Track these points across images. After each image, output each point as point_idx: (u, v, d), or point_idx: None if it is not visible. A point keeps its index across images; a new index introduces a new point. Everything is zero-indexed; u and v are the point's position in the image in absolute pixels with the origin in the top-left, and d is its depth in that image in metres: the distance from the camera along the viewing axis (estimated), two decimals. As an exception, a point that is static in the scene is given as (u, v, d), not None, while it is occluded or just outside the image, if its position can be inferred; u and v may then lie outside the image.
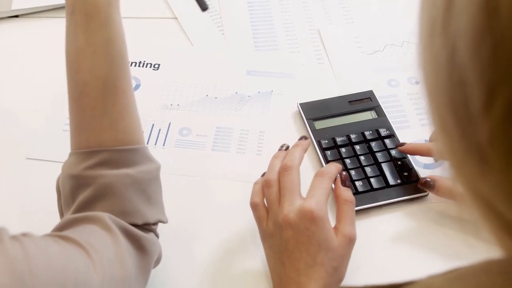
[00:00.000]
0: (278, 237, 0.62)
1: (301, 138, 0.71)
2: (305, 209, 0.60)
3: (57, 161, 0.78)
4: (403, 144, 0.76)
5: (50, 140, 0.82)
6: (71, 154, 0.59)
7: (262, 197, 0.66)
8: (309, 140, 0.71)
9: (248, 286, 0.67)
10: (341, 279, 0.62)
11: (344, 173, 0.67)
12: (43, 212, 0.73)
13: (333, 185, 0.67)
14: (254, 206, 0.66)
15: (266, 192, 0.66)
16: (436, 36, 0.28)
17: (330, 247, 0.60)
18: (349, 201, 0.64)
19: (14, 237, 0.46)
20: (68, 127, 0.82)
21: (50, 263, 0.46)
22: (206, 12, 1.03)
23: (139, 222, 0.57)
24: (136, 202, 0.57)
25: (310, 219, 0.60)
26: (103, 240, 0.52)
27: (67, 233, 0.52)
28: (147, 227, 0.59)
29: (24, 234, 0.47)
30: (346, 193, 0.65)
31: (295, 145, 0.69)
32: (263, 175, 0.70)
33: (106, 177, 0.56)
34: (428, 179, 0.70)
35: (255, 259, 0.70)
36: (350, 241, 0.62)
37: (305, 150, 0.69)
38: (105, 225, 0.54)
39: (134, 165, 0.58)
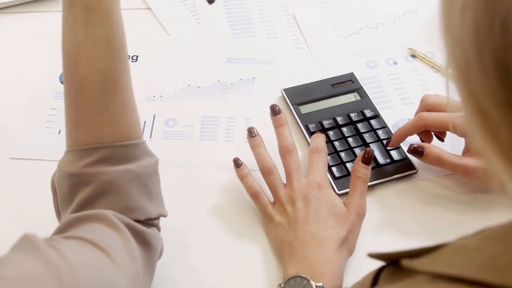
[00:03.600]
0: (290, 211, 0.66)
1: (273, 110, 0.73)
2: (312, 182, 0.67)
3: (42, 159, 0.77)
4: (389, 140, 0.75)
5: (33, 138, 0.80)
6: (68, 152, 0.57)
7: (258, 185, 0.70)
8: (282, 110, 0.73)
9: (246, 272, 0.68)
10: (351, 250, 0.65)
11: (370, 150, 0.69)
12: (31, 212, 0.72)
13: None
14: (255, 195, 0.69)
15: (269, 178, 0.69)
16: None
17: (338, 212, 0.65)
18: (362, 178, 0.67)
19: (48, 244, 0.45)
20: (50, 124, 0.82)
21: (90, 272, 0.45)
22: (180, 2, 1.02)
23: (142, 217, 0.56)
24: (138, 198, 0.56)
25: (317, 189, 0.67)
26: (113, 239, 0.52)
27: (75, 232, 0.51)
28: (150, 222, 0.58)
29: (53, 239, 0.47)
30: (362, 169, 0.68)
31: (280, 125, 0.72)
32: (238, 164, 0.71)
33: (107, 174, 0.55)
34: (417, 146, 0.71)
35: (251, 244, 0.70)
36: (358, 212, 0.66)
37: (288, 124, 0.73)
38: (111, 223, 0.53)
39: (134, 161, 0.57)
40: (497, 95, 0.30)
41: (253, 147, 0.72)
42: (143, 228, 0.56)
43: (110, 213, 0.54)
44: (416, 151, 0.71)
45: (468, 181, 0.72)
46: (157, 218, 0.60)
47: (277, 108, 0.73)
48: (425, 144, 0.71)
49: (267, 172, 0.69)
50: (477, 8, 0.29)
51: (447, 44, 0.33)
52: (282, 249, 0.66)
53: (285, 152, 0.69)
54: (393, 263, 0.42)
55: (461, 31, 0.31)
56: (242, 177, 0.70)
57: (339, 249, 0.63)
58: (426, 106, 0.74)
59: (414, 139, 0.76)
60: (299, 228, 0.64)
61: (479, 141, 0.33)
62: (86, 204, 0.55)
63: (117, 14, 0.57)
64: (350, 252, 0.65)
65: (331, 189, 0.69)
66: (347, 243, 0.64)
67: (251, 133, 0.72)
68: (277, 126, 0.72)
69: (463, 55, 0.31)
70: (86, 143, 0.56)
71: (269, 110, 0.76)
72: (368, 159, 0.68)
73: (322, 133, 0.74)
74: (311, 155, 0.71)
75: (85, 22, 0.55)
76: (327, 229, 0.64)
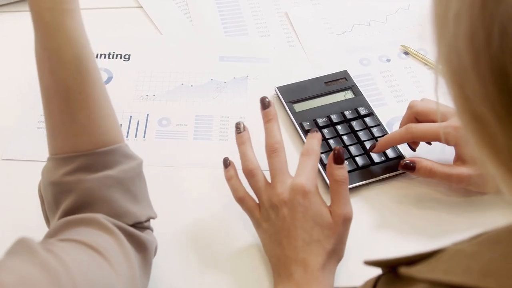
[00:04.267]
0: (274, 218, 0.63)
1: (263, 104, 0.69)
2: (297, 185, 0.62)
3: (35, 160, 0.76)
4: (373, 146, 0.75)
5: (25, 139, 0.79)
6: (49, 159, 0.57)
7: (244, 188, 0.67)
8: (273, 103, 0.69)
9: (240, 274, 0.67)
10: (340, 257, 0.63)
11: (339, 148, 0.64)
12: (24, 214, 0.71)
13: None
14: (241, 200, 0.66)
15: (252, 181, 0.66)
16: None
17: (325, 223, 0.61)
18: (340, 181, 0.63)
19: (45, 248, 0.45)
20: (42, 125, 0.80)
21: (87, 276, 0.45)
22: (171, 0, 1.01)
23: (130, 222, 0.56)
24: (123, 203, 0.56)
25: (302, 194, 0.61)
26: (108, 241, 0.51)
27: (69, 235, 0.51)
28: (140, 225, 0.58)
29: (49, 243, 0.46)
30: (338, 171, 0.63)
31: (268, 120, 0.68)
32: (226, 164, 0.69)
33: (87, 181, 0.54)
34: (408, 161, 0.70)
35: (246, 245, 0.70)
36: (345, 220, 0.62)
37: (278, 119, 0.68)
38: (103, 226, 0.52)
39: (114, 166, 0.56)
40: (494, 101, 0.29)
41: (238, 144, 0.68)
42: (136, 231, 0.56)
43: (101, 217, 0.53)
44: (407, 167, 0.70)
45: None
46: (147, 221, 0.59)
47: (267, 100, 0.69)
48: (416, 159, 0.71)
49: (249, 174, 0.66)
50: (473, 14, 0.29)
51: (440, 49, 0.32)
52: (270, 259, 0.65)
53: (270, 151, 0.66)
54: (390, 270, 0.42)
55: (456, 37, 0.30)
56: (227, 179, 0.68)
57: (326, 263, 0.60)
58: (413, 114, 0.74)
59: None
60: (285, 241, 0.62)
61: (474, 146, 0.32)
62: (71, 213, 0.54)
63: (64, 26, 0.55)
64: (339, 259, 0.63)
65: (317, 194, 0.63)
66: (335, 253, 0.62)
67: (237, 128, 0.69)
68: (266, 121, 0.68)
69: (458, 60, 0.31)
70: (63, 152, 0.55)
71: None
72: (339, 157, 0.63)
73: (318, 132, 0.69)
74: (301, 157, 0.66)
75: (36, 34, 0.55)
76: (313, 243, 0.61)
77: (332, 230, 0.62)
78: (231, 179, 0.67)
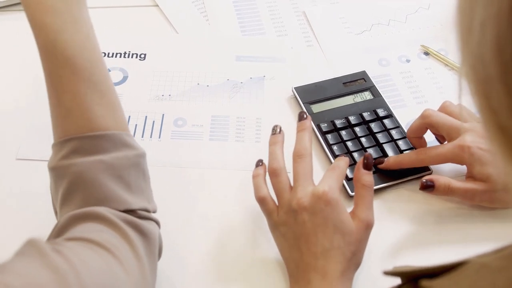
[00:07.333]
0: (293, 223, 0.61)
1: (300, 117, 0.69)
2: (319, 192, 0.61)
3: (48, 160, 0.76)
4: (381, 161, 0.73)
5: (40, 139, 0.78)
6: (51, 148, 0.58)
7: (267, 188, 0.65)
8: (309, 117, 0.69)
9: (255, 276, 0.66)
10: (358, 264, 0.62)
11: (369, 155, 0.64)
12: (38, 214, 0.70)
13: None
14: (261, 200, 0.65)
15: (274, 181, 0.65)
16: None
17: (346, 230, 0.60)
18: (367, 186, 0.63)
19: (54, 249, 0.44)
20: (58, 124, 0.80)
21: (97, 278, 0.44)
22: (188, -2, 1.00)
23: (120, 208, 0.55)
24: (113, 188, 0.55)
25: (324, 201, 0.60)
26: (116, 238, 0.51)
27: (77, 233, 0.50)
28: (134, 214, 0.56)
29: (58, 243, 0.45)
30: (365, 177, 0.63)
31: (301, 130, 0.68)
32: (258, 164, 0.68)
33: (78, 165, 0.54)
34: (425, 181, 0.68)
35: (262, 247, 0.68)
36: (367, 226, 0.62)
37: (311, 131, 0.68)
38: (108, 221, 0.52)
39: (108, 152, 0.56)
40: None
41: (270, 144, 0.68)
42: (137, 220, 0.55)
43: (104, 210, 0.53)
44: (427, 186, 0.68)
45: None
46: (142, 210, 0.57)
47: (305, 115, 0.69)
48: (433, 177, 0.69)
49: (273, 173, 0.65)
50: (500, 22, 0.27)
51: (465, 58, 0.31)
52: (287, 264, 0.63)
53: (296, 156, 0.65)
54: (410, 280, 0.40)
55: (481, 46, 0.29)
56: (253, 176, 0.67)
57: (345, 271, 0.59)
58: (426, 125, 0.73)
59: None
60: (304, 247, 0.60)
61: (500, 158, 0.31)
62: (66, 198, 0.55)
63: (84, 17, 0.57)
64: (358, 266, 0.62)
65: (340, 203, 0.61)
66: (354, 261, 0.61)
67: (273, 130, 0.69)
68: (299, 130, 0.68)
69: (484, 71, 0.29)
70: (58, 137, 0.57)
71: (281, 110, 0.72)
72: (369, 164, 0.64)
73: (347, 157, 0.68)
74: (326, 171, 0.65)
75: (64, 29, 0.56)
76: (333, 249, 0.59)
77: (353, 237, 0.60)
78: (256, 177, 0.67)
